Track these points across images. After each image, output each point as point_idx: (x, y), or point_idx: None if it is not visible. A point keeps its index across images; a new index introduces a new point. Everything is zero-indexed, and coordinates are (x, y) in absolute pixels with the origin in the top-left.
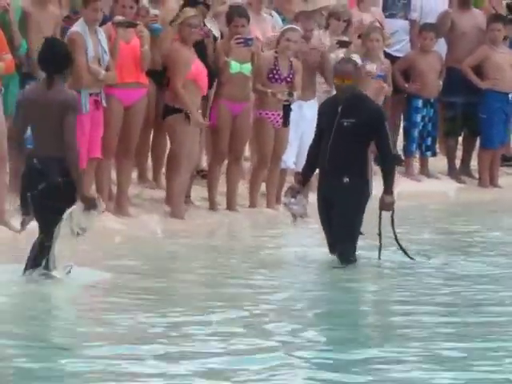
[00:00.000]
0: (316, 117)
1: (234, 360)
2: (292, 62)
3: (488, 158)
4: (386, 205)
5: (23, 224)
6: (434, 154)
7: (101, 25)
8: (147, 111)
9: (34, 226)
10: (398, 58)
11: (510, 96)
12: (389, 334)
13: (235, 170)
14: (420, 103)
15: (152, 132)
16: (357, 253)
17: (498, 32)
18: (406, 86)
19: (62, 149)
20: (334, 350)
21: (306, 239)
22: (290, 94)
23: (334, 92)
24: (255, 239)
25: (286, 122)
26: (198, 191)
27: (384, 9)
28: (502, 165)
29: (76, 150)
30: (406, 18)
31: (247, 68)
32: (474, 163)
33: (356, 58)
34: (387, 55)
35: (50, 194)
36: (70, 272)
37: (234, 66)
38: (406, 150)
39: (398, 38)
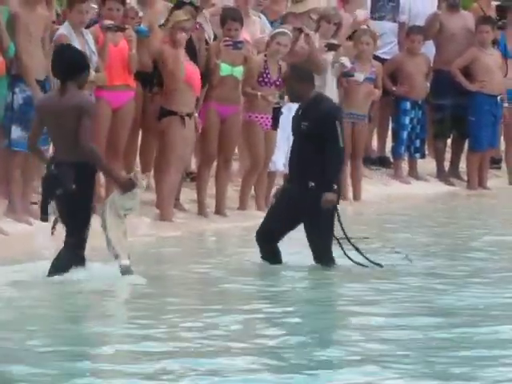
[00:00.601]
0: None
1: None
2: (281, 65)
3: (477, 161)
4: (326, 201)
5: (53, 227)
6: (423, 156)
7: (88, 27)
8: (135, 113)
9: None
10: (387, 60)
11: (498, 98)
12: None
13: (224, 173)
14: (408, 105)
15: (140, 134)
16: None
17: (487, 34)
18: (394, 88)
19: (77, 154)
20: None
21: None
22: (281, 97)
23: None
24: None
25: (275, 124)
26: (187, 194)
27: (372, 11)
28: (490, 167)
29: (94, 152)
30: (395, 21)
31: (239, 71)
32: (462, 165)
33: (345, 60)
34: (375, 57)
35: (65, 200)
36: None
37: (225, 69)
38: (395, 152)
39: (387, 40)
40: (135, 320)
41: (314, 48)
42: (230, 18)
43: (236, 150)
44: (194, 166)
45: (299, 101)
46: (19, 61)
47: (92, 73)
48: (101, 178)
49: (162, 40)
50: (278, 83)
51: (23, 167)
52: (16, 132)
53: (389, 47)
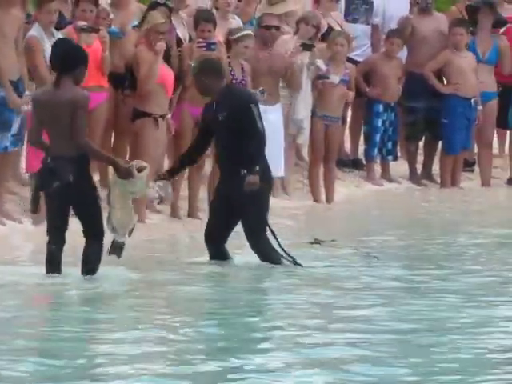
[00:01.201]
0: (280, 121)
1: None
2: (243, 64)
3: (450, 163)
4: (248, 184)
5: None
6: (396, 158)
7: (61, 28)
8: (108, 114)
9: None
10: (359, 62)
11: (472, 101)
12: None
13: (197, 175)
14: (381, 108)
15: (113, 135)
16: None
17: (461, 36)
18: (367, 89)
19: (73, 147)
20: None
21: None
22: (262, 92)
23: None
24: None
25: None
26: None
27: (346, 14)
28: (464, 170)
29: (88, 145)
30: (368, 23)
31: None
32: (435, 167)
33: (320, 63)
34: (349, 60)
35: (62, 193)
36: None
37: None
38: (367, 154)
39: (360, 42)
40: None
41: (292, 66)
42: (203, 20)
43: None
44: (166, 168)
45: (210, 95)
46: None
47: None
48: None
49: (137, 41)
50: (243, 82)
51: None
52: None
53: (362, 49)
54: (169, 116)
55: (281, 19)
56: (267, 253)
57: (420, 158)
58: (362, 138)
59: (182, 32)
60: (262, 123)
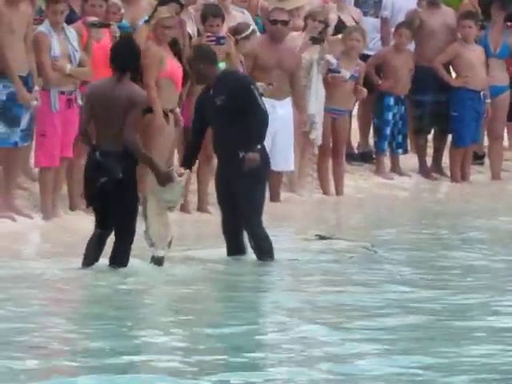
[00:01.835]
0: (290, 116)
1: None
2: (241, 58)
3: (459, 156)
4: (248, 160)
5: None
6: (406, 151)
7: (72, 23)
8: None
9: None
10: (370, 56)
11: (481, 94)
12: None
13: (206, 169)
14: (392, 101)
15: None
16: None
17: (470, 29)
18: (380, 82)
19: (121, 144)
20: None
21: None
22: (269, 84)
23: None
24: None
25: None
26: None
27: (355, 7)
28: (473, 163)
29: (136, 143)
30: (377, 16)
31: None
32: (445, 160)
33: (330, 57)
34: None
35: (111, 188)
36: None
37: None
38: (378, 147)
39: (369, 36)
40: None
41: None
42: (212, 15)
43: None
44: (176, 162)
45: (206, 82)
46: (2, 57)
47: (67, 66)
48: None
49: (147, 36)
50: None
51: (6, 163)
52: None
53: (371, 43)
54: (178, 110)
55: (292, 14)
56: (260, 238)
57: (430, 152)
58: (371, 131)
59: (191, 27)
60: (264, 103)
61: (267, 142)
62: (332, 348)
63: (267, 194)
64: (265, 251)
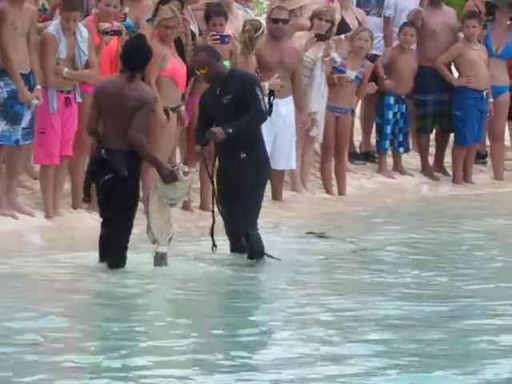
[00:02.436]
0: (292, 114)
1: None
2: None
3: (462, 155)
4: (210, 133)
5: None
6: (407, 150)
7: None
8: None
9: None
10: (372, 55)
11: (484, 93)
12: None
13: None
14: (392, 100)
15: None
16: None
17: (473, 29)
18: (384, 78)
19: (127, 142)
20: None
21: None
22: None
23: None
24: None
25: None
26: None
27: (358, 6)
28: (476, 162)
29: (140, 141)
30: (380, 15)
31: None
32: (448, 160)
33: (335, 56)
34: None
35: (115, 185)
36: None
37: None
38: (379, 146)
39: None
40: None
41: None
42: (215, 14)
43: None
44: (178, 160)
45: (217, 81)
46: (4, 55)
47: (64, 69)
48: None
49: (152, 34)
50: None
51: (8, 161)
52: (0, 126)
53: (374, 42)
54: (183, 108)
55: (295, 13)
56: (253, 242)
57: (432, 151)
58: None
59: (193, 26)
60: (266, 105)
61: (268, 141)
62: (331, 348)
63: (269, 193)
64: (256, 254)
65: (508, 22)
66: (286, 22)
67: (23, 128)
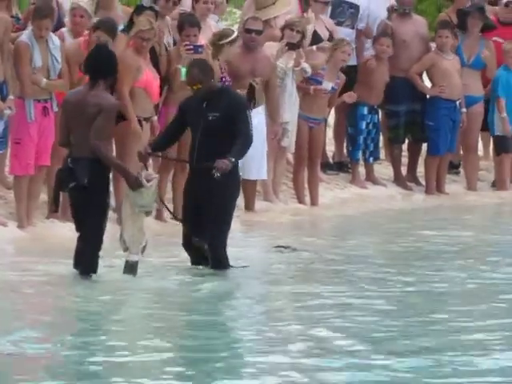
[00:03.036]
0: (263, 123)
1: None
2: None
3: (435, 165)
4: (220, 167)
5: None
6: (377, 159)
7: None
8: None
9: None
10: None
11: (457, 103)
12: None
13: (182, 178)
14: (365, 110)
15: None
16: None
17: (446, 38)
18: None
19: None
20: None
21: None
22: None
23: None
24: None
25: None
26: None
27: (332, 17)
28: (449, 172)
29: (99, 148)
30: (353, 27)
31: None
32: (420, 169)
33: (306, 66)
34: None
35: (80, 193)
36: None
37: (185, 73)
38: (352, 156)
39: None
40: None
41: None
42: (188, 24)
43: None
44: (151, 170)
45: (207, 96)
46: None
47: (43, 80)
48: None
49: (126, 44)
50: (228, 82)
51: None
52: None
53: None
54: (155, 118)
55: (269, 23)
56: (220, 260)
57: (405, 161)
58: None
59: (167, 38)
60: (252, 129)
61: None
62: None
63: (242, 203)
64: (221, 270)
65: (480, 34)
66: (259, 32)
67: None
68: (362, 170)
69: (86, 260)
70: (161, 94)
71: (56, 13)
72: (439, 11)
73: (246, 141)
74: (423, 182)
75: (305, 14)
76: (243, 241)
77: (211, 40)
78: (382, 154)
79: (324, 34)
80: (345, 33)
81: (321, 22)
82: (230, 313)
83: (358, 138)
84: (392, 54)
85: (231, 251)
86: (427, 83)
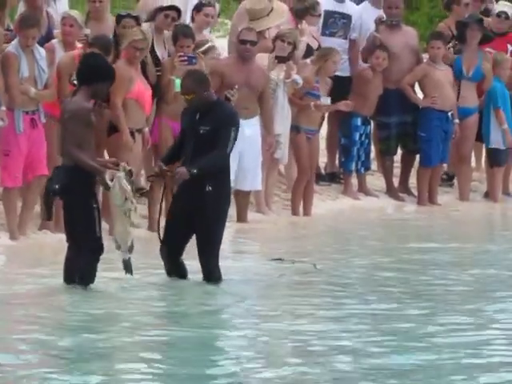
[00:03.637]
0: (257, 135)
1: None
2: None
3: (427, 176)
4: (179, 174)
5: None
6: (368, 169)
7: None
8: None
9: None
10: (337, 76)
11: (449, 114)
12: None
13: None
14: (359, 121)
15: None
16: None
17: (438, 50)
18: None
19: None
20: None
21: None
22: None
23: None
24: None
25: None
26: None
27: (324, 27)
28: (443, 183)
29: (70, 152)
30: (346, 38)
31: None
32: (413, 181)
33: (297, 78)
34: None
35: (48, 199)
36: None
37: (179, 85)
38: (345, 167)
39: None
40: None
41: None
42: (183, 35)
43: None
44: (143, 182)
45: (200, 108)
46: None
47: (32, 90)
48: None
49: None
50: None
51: None
52: None
53: (340, 64)
54: (146, 130)
55: (263, 35)
56: (215, 278)
57: (397, 172)
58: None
59: (161, 52)
60: (232, 148)
61: (233, 160)
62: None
63: (234, 214)
64: (213, 282)
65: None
66: (254, 43)
67: None
68: (354, 181)
69: (80, 270)
70: (152, 104)
71: (46, 24)
72: (431, 22)
73: (218, 158)
74: (415, 193)
75: (298, 26)
76: (237, 252)
77: None
78: (374, 165)
79: (314, 44)
80: (338, 43)
81: (308, 33)
82: (223, 327)
83: (352, 149)
84: (386, 66)
85: (224, 263)
86: (419, 95)
